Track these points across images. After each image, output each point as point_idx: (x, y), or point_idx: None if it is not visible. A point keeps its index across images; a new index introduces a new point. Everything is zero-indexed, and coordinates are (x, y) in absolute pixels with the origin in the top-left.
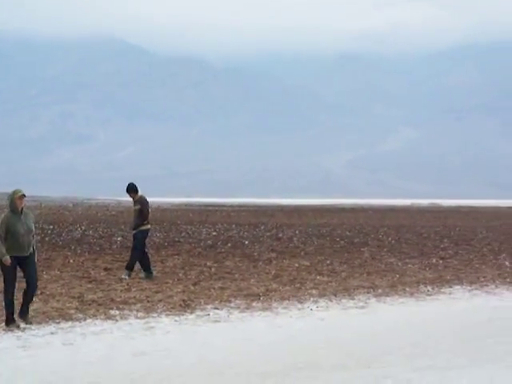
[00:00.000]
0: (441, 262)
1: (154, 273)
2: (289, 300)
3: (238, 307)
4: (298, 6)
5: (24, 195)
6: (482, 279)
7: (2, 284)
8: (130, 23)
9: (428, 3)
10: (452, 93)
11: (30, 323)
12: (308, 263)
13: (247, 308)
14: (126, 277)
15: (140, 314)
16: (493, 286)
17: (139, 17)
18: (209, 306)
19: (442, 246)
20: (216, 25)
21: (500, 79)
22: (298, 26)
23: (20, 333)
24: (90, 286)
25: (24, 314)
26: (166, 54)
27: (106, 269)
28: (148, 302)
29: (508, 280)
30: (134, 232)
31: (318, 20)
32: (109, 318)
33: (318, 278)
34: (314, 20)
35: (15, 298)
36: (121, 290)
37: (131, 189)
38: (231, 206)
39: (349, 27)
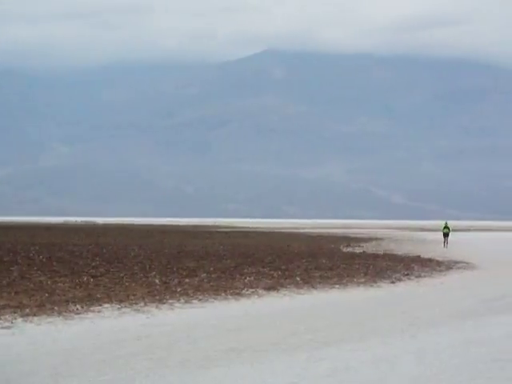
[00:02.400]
0: (92, 280)
1: None
2: None
3: None
4: None
5: None
6: (132, 297)
7: None
8: None
9: (82, 21)
10: (105, 110)
11: None
12: None
13: None
14: None
15: None
16: (142, 304)
17: None
18: None
19: (93, 264)
20: None
21: (151, 98)
22: None
23: None
24: None
25: None
26: None
27: None
28: None
29: (157, 298)
30: None
31: None
32: None
33: None
34: None
35: None
36: None
37: None
38: None
39: None
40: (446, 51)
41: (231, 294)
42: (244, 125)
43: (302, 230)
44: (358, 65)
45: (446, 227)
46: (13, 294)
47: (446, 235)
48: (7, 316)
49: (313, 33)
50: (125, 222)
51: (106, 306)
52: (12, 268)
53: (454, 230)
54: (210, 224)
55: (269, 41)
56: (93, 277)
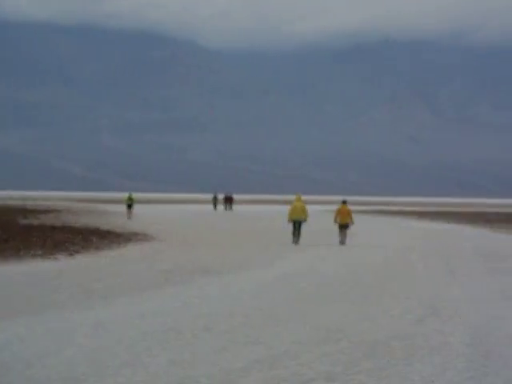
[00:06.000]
0: None
1: None
2: None
3: None
4: None
5: None
6: None
7: None
8: None
9: None
10: None
11: None
12: None
13: None
14: None
15: None
16: None
17: None
18: None
19: None
20: None
21: None
22: None
23: None
24: None
25: None
26: None
27: None
28: None
29: None
30: None
31: None
32: None
33: None
34: None
35: None
36: None
37: None
38: None
39: None
40: (129, 22)
41: None
42: None
43: None
44: (37, 33)
45: (129, 198)
46: None
47: (129, 207)
48: None
49: None
50: None
51: None
52: None
53: (137, 202)
54: None
55: None
56: None
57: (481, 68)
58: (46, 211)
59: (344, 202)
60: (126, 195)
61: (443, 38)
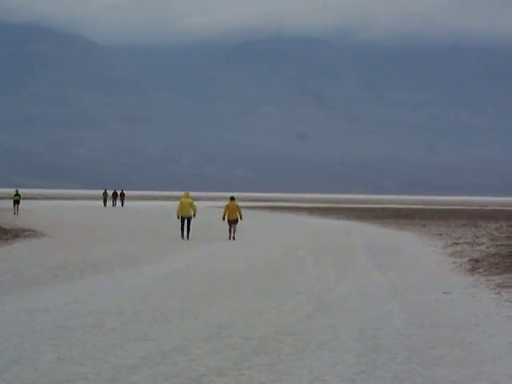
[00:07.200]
0: None
1: None
2: None
3: None
4: None
5: None
6: None
7: None
8: None
9: None
10: None
11: None
12: None
13: None
14: None
15: None
16: None
17: None
18: None
19: None
20: None
21: None
22: None
23: None
24: None
25: None
26: None
27: None
28: None
29: None
30: None
31: None
32: None
33: None
34: None
35: None
36: None
37: None
38: None
39: None
40: (17, 15)
41: None
42: None
43: None
44: None
45: (16, 194)
46: None
47: (16, 202)
48: None
49: None
50: None
51: None
52: None
53: (25, 198)
54: None
55: None
56: None
57: (368, 66)
58: None
59: (232, 198)
60: (13, 192)
61: (332, 36)
